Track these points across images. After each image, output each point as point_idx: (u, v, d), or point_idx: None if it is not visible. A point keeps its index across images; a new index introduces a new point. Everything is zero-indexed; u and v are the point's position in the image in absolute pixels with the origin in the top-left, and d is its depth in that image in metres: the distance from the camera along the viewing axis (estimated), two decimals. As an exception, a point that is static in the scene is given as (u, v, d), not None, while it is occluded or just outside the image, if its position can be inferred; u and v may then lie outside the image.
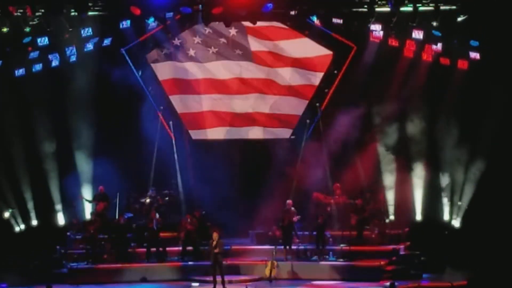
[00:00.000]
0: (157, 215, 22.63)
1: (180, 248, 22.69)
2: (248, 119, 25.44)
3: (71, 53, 22.23)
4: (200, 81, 25.31)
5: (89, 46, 22.42)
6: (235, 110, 25.41)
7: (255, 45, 25.10)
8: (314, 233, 22.70)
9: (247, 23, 24.05)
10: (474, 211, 23.40)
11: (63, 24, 21.37)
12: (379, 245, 22.75)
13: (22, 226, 24.12)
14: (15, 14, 20.90)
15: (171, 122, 25.25)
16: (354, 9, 22.09)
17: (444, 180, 23.97)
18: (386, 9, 21.68)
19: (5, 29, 21.13)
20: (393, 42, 22.43)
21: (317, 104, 25.18)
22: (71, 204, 24.03)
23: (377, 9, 21.80)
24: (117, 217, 23.16)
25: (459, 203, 23.81)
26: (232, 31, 24.92)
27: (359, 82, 24.06)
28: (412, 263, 21.71)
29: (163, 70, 25.20)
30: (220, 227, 21.41)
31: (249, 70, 25.24)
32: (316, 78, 25.20)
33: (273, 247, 22.03)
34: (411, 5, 21.33)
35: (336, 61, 24.93)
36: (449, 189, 23.94)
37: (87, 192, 24.39)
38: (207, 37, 25.05)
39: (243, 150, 25.20)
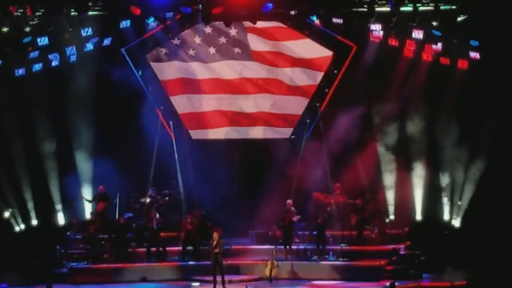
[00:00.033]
0: (157, 215, 22.63)
1: (180, 248, 22.68)
2: (248, 119, 25.44)
3: (71, 53, 22.23)
4: (201, 81, 25.31)
5: (89, 46, 22.42)
6: (236, 110, 25.41)
7: (255, 44, 25.11)
8: (314, 233, 22.69)
9: (247, 23, 24.02)
10: (474, 211, 23.40)
11: (63, 24, 21.39)
12: (379, 245, 22.73)
13: (22, 226, 24.13)
14: (15, 14, 20.90)
15: (171, 122, 25.25)
16: (354, 9, 22.10)
17: (444, 180, 23.97)
18: (386, 9, 21.68)
19: (5, 29, 21.14)
20: (393, 42, 22.45)
21: (317, 104, 25.18)
22: (71, 204, 24.02)
23: (377, 9, 21.81)
24: (117, 217, 23.15)
25: (459, 203, 23.80)
26: (233, 31, 24.92)
27: (359, 82, 24.07)
28: (412, 263, 21.73)
29: (163, 70, 25.21)
30: (221, 227, 21.42)
31: (250, 70, 25.25)
32: (316, 78, 25.20)
33: (273, 247, 22.03)
34: (411, 5, 21.34)
35: (336, 61, 24.94)
36: (449, 189, 23.94)
37: (87, 192, 24.40)
38: (207, 37, 25.06)
39: (243, 150, 25.19)
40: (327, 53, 24.97)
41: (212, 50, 25.14)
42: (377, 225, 23.17)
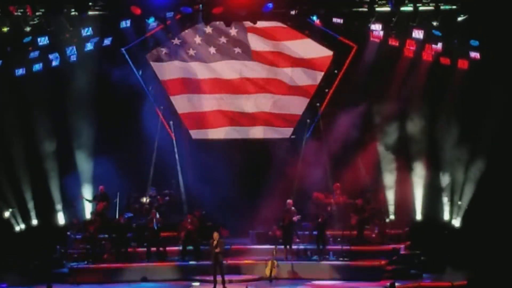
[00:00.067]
0: (157, 215, 22.62)
1: (181, 248, 22.67)
2: (248, 119, 25.44)
3: (72, 52, 22.22)
4: (201, 81, 25.32)
5: (89, 46, 22.42)
6: (236, 110, 25.41)
7: (255, 44, 25.13)
8: (314, 233, 22.69)
9: (247, 23, 24.02)
10: (474, 211, 23.40)
11: (63, 24, 21.40)
12: (379, 244, 22.74)
13: (22, 226, 24.11)
14: (16, 13, 20.89)
15: (171, 122, 25.25)
16: (355, 9, 22.12)
17: (444, 180, 23.98)
18: (387, 9, 21.69)
19: (5, 29, 21.14)
20: (394, 42, 22.47)
21: (318, 104, 25.19)
22: (71, 203, 24.02)
23: (378, 9, 21.82)
24: (117, 216, 23.14)
25: (459, 202, 23.81)
26: (233, 30, 24.93)
27: (359, 82, 24.08)
28: (412, 263, 21.73)
29: (164, 70, 25.21)
30: (223, 227, 21.46)
31: (250, 70, 25.28)
32: (317, 77, 25.21)
33: (273, 246, 22.02)
34: (412, 4, 21.35)
35: (336, 60, 24.96)
36: (449, 188, 23.95)
37: (87, 192, 24.38)
38: (208, 37, 25.06)
39: (244, 149, 25.18)
40: (328, 53, 24.99)
41: (212, 50, 25.15)
42: (377, 225, 23.18)
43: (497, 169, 23.02)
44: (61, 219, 24.47)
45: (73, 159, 24.32)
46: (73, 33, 21.72)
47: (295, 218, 22.52)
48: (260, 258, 22.03)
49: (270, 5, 21.38)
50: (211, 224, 22.73)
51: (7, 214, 23.79)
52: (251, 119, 25.43)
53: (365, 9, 21.91)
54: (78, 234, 23.25)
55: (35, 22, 21.28)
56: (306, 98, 25.31)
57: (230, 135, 25.46)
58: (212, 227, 21.87)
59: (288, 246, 22.33)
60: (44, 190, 24.18)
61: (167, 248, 22.65)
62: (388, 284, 18.78)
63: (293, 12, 22.59)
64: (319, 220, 22.32)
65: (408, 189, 24.14)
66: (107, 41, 22.65)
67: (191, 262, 22.22)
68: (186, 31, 24.83)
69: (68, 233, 23.64)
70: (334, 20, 22.34)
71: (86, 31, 21.84)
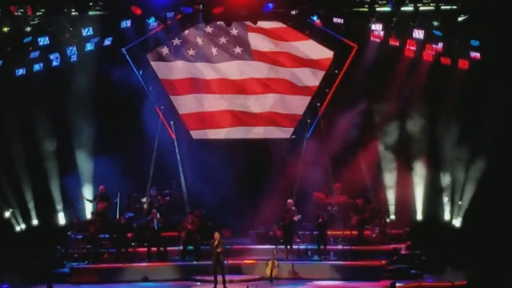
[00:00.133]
0: (158, 215, 22.62)
1: (181, 247, 22.66)
2: (249, 119, 25.42)
3: (72, 52, 22.21)
4: (201, 81, 25.31)
5: (90, 46, 22.40)
6: (236, 110, 25.39)
7: (256, 44, 25.14)
8: (315, 232, 22.69)
9: (248, 22, 24.01)
10: (474, 210, 23.41)
11: (63, 24, 21.39)
12: (380, 244, 22.75)
13: (23, 226, 24.11)
14: (16, 13, 20.87)
15: (171, 122, 25.25)
16: (355, 9, 22.10)
17: (445, 180, 23.99)
18: (387, 8, 21.67)
19: (5, 29, 21.11)
20: (394, 42, 22.48)
21: (318, 104, 25.20)
22: (72, 203, 24.03)
23: (378, 9, 21.81)
24: (117, 216, 23.14)
25: (460, 202, 23.83)
26: (234, 30, 24.93)
27: (359, 81, 24.09)
28: (412, 263, 21.77)
29: (164, 70, 25.20)
30: (225, 227, 21.48)
31: (251, 69, 25.27)
32: (317, 77, 25.21)
33: (273, 246, 22.02)
34: (412, 4, 21.35)
35: (336, 60, 24.96)
36: (449, 188, 23.96)
37: (87, 192, 24.38)
38: (209, 36, 25.06)
39: (244, 150, 25.16)
40: (328, 53, 24.98)
41: (213, 49, 25.15)
42: (377, 225, 23.19)
43: (497, 169, 23.02)
44: (61, 219, 24.46)
45: (73, 159, 24.32)
46: (73, 33, 21.71)
47: (295, 218, 22.53)
48: (261, 258, 22.01)
49: (271, 5, 21.38)
50: (212, 224, 22.76)
51: (7, 214, 23.79)
52: (251, 119, 25.41)
53: (366, 9, 21.89)
54: (78, 234, 23.25)
55: (35, 22, 21.27)
56: (306, 98, 25.31)
57: (231, 135, 25.45)
58: (212, 227, 21.90)
59: (288, 246, 22.33)
60: (44, 190, 24.18)
61: (168, 248, 22.65)
62: (388, 284, 18.77)
63: (293, 12, 22.59)
64: (320, 220, 22.32)
65: (409, 189, 24.15)
66: (107, 41, 22.63)
67: (191, 262, 22.19)
68: (187, 30, 24.82)
69: (69, 233, 23.64)
70: (335, 20, 22.33)
71: (87, 31, 21.83)
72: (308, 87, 25.29)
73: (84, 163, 24.36)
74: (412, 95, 23.88)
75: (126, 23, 22.15)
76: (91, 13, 21.58)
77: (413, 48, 22.41)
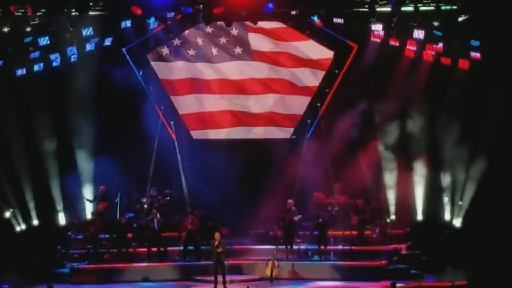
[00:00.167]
0: (158, 215, 22.61)
1: (181, 248, 22.65)
2: (249, 119, 25.41)
3: (72, 53, 22.23)
4: (202, 81, 25.30)
5: (90, 46, 22.40)
6: (236, 109, 25.38)
7: (256, 44, 25.13)
8: (315, 232, 22.69)
9: (249, 22, 24.00)
10: (475, 210, 23.41)
11: (64, 24, 21.43)
12: (380, 244, 22.74)
13: (23, 226, 24.10)
14: (16, 14, 20.94)
15: (172, 122, 25.25)
16: (355, 9, 22.15)
17: (445, 180, 23.99)
18: (387, 9, 21.73)
19: (6, 29, 21.18)
20: (394, 42, 22.49)
21: (318, 104, 25.21)
22: (72, 204, 24.03)
23: (378, 9, 21.87)
24: (118, 216, 23.14)
25: (460, 202, 23.83)
26: (234, 30, 24.93)
27: (360, 81, 24.09)
28: (413, 263, 21.77)
29: (164, 70, 25.20)
30: (222, 225, 21.47)
31: (251, 69, 25.26)
32: (318, 78, 25.20)
33: (273, 246, 22.02)
34: (412, 5, 21.37)
35: (337, 60, 24.96)
36: (450, 188, 23.96)
37: (88, 192, 24.38)
38: (209, 36, 25.05)
39: (244, 150, 25.17)
40: (328, 53, 24.98)
41: (213, 49, 25.14)
42: (378, 225, 23.18)
43: (497, 169, 23.02)
44: (61, 219, 24.45)
45: (73, 159, 24.32)
46: (73, 33, 21.74)
47: (296, 218, 22.53)
48: (261, 258, 22.01)
49: (271, 5, 21.42)
50: (212, 224, 22.74)
51: (7, 214, 23.79)
52: (252, 119, 25.38)
53: (366, 9, 21.96)
54: (78, 234, 23.24)
55: (35, 22, 21.33)
56: (306, 98, 25.30)
57: (231, 135, 25.44)
58: (212, 227, 21.89)
59: (289, 246, 22.33)
60: (44, 190, 24.17)
61: (168, 248, 22.64)
62: (389, 284, 18.76)
63: (293, 12, 22.61)
64: (320, 220, 22.32)
65: (409, 189, 24.14)
66: (107, 41, 22.64)
67: (192, 262, 22.19)
68: (187, 31, 24.82)
69: (69, 233, 23.63)
70: (335, 20, 22.34)
71: (87, 31, 21.85)
72: (309, 87, 25.29)
73: (85, 163, 24.36)
74: (412, 95, 23.88)
75: (126, 23, 22.17)
76: (91, 13, 21.66)
77: (413, 48, 22.43)
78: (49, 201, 24.26)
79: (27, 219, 24.13)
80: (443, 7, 21.32)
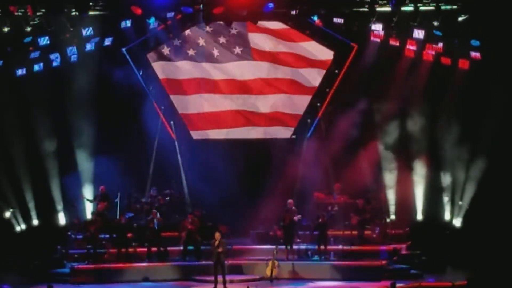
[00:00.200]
0: (158, 215, 22.61)
1: (181, 248, 22.65)
2: (250, 119, 25.41)
3: (72, 53, 22.23)
4: (201, 81, 25.30)
5: (90, 46, 22.40)
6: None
7: (257, 44, 25.14)
8: (315, 232, 22.68)
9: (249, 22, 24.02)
10: (475, 210, 23.41)
11: (64, 24, 21.43)
12: (380, 244, 22.73)
13: (23, 226, 24.10)
14: (16, 13, 20.93)
15: (172, 122, 25.25)
16: (355, 9, 22.15)
17: (445, 180, 23.99)
18: (387, 8, 21.73)
19: (6, 29, 21.17)
20: (394, 42, 22.49)
21: (318, 104, 25.21)
22: (72, 203, 24.03)
23: (378, 9, 21.87)
24: (118, 216, 23.13)
25: (460, 202, 23.84)
26: (234, 30, 24.93)
27: (360, 81, 24.11)
28: (413, 263, 21.77)
29: (164, 70, 25.20)
30: (225, 226, 21.49)
31: (250, 69, 25.27)
32: (318, 77, 25.19)
33: (273, 246, 22.02)
34: (412, 4, 21.37)
35: (337, 60, 24.96)
36: (450, 188, 23.96)
37: (88, 192, 24.38)
38: (209, 36, 25.06)
39: (244, 150, 25.17)
40: (328, 52, 24.97)
41: (213, 49, 25.13)
42: (378, 225, 23.18)
43: (497, 169, 23.02)
44: (61, 219, 24.46)
45: (73, 159, 24.32)
46: (73, 33, 21.75)
47: (296, 218, 22.52)
48: (261, 258, 22.01)
49: (271, 5, 21.42)
50: (212, 224, 22.74)
51: (7, 214, 23.78)
52: (252, 119, 25.38)
53: (366, 9, 21.96)
54: (78, 234, 23.22)
55: (35, 22, 21.32)
56: (306, 98, 25.30)
57: (231, 136, 25.43)
58: (212, 227, 21.90)
59: (289, 246, 22.32)
60: (44, 190, 24.17)
61: (168, 248, 22.63)
62: (389, 284, 18.75)
63: (293, 12, 22.61)
64: (320, 220, 22.31)
65: (409, 189, 24.15)
66: (107, 41, 22.66)
67: (192, 262, 22.19)
68: (187, 30, 24.81)
69: (69, 233, 23.62)
70: (335, 20, 22.34)
71: (87, 31, 21.86)
72: (309, 87, 25.28)
73: (84, 163, 24.36)
74: (412, 95, 23.89)
75: (126, 23, 22.17)
76: (91, 13, 21.66)
77: (413, 48, 22.44)
78: (49, 201, 24.27)
79: (27, 219, 24.14)
80: (443, 7, 21.33)
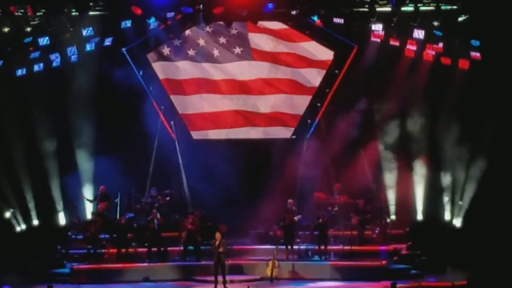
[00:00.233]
0: (158, 215, 22.61)
1: (182, 248, 22.65)
2: (250, 119, 25.39)
3: (72, 53, 22.23)
4: (201, 81, 25.28)
5: (90, 46, 22.40)
6: (236, 110, 25.35)
7: (257, 44, 25.12)
8: (315, 232, 22.68)
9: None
10: (475, 210, 23.41)
11: (64, 24, 21.43)
12: (380, 245, 22.73)
13: (23, 226, 24.08)
14: (16, 14, 20.95)
15: (172, 122, 25.25)
16: (355, 9, 22.16)
17: (445, 180, 23.99)
18: (387, 8, 21.75)
19: (6, 29, 21.18)
20: (394, 42, 22.50)
21: (318, 104, 25.21)
22: (72, 204, 24.02)
23: (378, 9, 21.89)
24: (118, 217, 23.13)
25: (460, 202, 23.84)
26: (234, 30, 24.92)
27: (360, 81, 24.10)
28: (413, 263, 21.78)
29: (164, 70, 25.18)
30: (225, 225, 21.50)
31: (250, 70, 25.25)
32: (318, 78, 25.19)
33: (273, 246, 22.03)
34: (412, 4, 21.38)
35: (337, 60, 24.95)
36: (450, 188, 23.96)
37: (88, 192, 24.37)
38: (209, 36, 25.03)
39: (244, 150, 25.17)
40: (328, 52, 24.97)
41: (214, 49, 25.11)
42: (378, 225, 23.18)
43: (497, 169, 23.03)
44: (62, 219, 24.44)
45: (73, 159, 24.30)
46: (73, 33, 21.75)
47: (296, 218, 22.53)
48: (261, 258, 22.00)
49: (271, 5, 21.44)
50: (212, 224, 22.74)
51: (8, 214, 23.77)
52: (252, 119, 25.36)
53: (366, 9, 21.97)
54: (79, 234, 23.23)
55: (35, 22, 21.33)
56: (306, 98, 25.28)
57: (231, 136, 25.41)
58: (213, 227, 21.90)
59: (289, 246, 22.33)
60: (44, 190, 24.15)
61: (168, 248, 22.62)
62: (389, 284, 18.75)
63: (293, 12, 22.61)
64: (320, 220, 22.32)
65: (409, 189, 24.14)
66: (107, 41, 22.64)
67: (192, 262, 22.19)
68: (187, 31, 24.79)
69: (69, 233, 23.62)
70: (335, 20, 22.34)
71: (87, 31, 21.87)
72: (309, 87, 25.26)
73: (85, 163, 24.35)
74: (412, 95, 23.89)
75: (126, 23, 22.17)
76: (91, 13, 21.68)
77: (414, 48, 22.43)
78: (49, 201, 24.25)
79: (27, 219, 24.11)
80: (443, 7, 21.35)
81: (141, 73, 24.78)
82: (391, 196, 24.29)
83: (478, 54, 21.98)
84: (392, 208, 24.24)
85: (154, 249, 22.47)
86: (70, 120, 24.03)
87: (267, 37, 25.08)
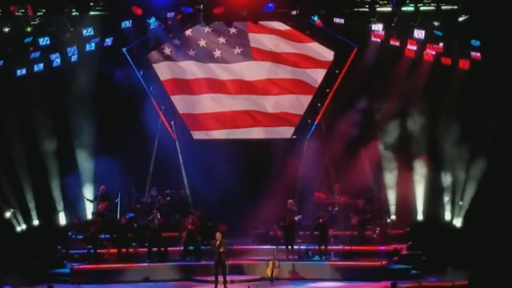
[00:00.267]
0: (159, 215, 22.61)
1: (182, 248, 22.65)
2: (250, 119, 25.39)
3: (72, 53, 22.23)
4: (201, 81, 25.28)
5: (90, 46, 22.40)
6: (237, 110, 25.34)
7: (257, 43, 25.10)
8: (315, 233, 22.68)
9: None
10: (475, 210, 23.41)
11: (64, 24, 21.42)
12: (381, 245, 22.74)
13: (23, 226, 24.08)
14: (16, 14, 20.93)
15: (172, 122, 25.24)
16: (356, 9, 22.13)
17: (446, 180, 23.99)
18: (388, 9, 21.73)
19: (6, 29, 21.16)
20: (395, 42, 22.49)
21: (319, 104, 25.21)
22: (72, 204, 24.05)
23: (379, 9, 21.86)
24: (118, 217, 23.14)
25: (461, 202, 23.84)
26: (233, 30, 24.91)
27: (360, 81, 24.10)
28: (413, 263, 21.78)
29: (164, 70, 25.18)
30: (226, 225, 21.50)
31: (250, 70, 25.23)
32: (318, 77, 25.18)
33: (274, 247, 22.04)
34: (413, 4, 21.37)
35: (337, 60, 24.95)
36: (450, 188, 23.96)
37: (88, 192, 24.39)
38: (209, 37, 25.02)
39: (245, 150, 25.17)
40: (329, 52, 24.97)
41: (215, 50, 25.10)
42: (378, 225, 23.19)
43: (498, 169, 23.02)
44: (62, 219, 24.45)
45: (74, 159, 24.32)
46: (74, 33, 21.73)
47: (296, 218, 22.53)
48: (261, 258, 22.01)
49: (271, 5, 21.41)
50: (212, 224, 22.74)
51: (8, 214, 23.77)
52: (252, 119, 25.36)
53: (366, 9, 21.94)
54: (79, 234, 23.26)
55: (36, 22, 21.32)
56: (307, 98, 25.26)
57: (231, 136, 25.40)
58: (213, 227, 21.91)
59: (289, 246, 22.33)
60: (45, 190, 24.16)
61: (168, 248, 22.63)
62: (389, 284, 18.74)
63: (294, 12, 22.59)
64: (320, 220, 22.32)
65: (409, 189, 24.14)
66: (108, 41, 22.66)
67: (192, 262, 22.20)
68: (188, 31, 24.78)
69: (69, 233, 23.65)
70: (335, 20, 22.33)
71: (87, 31, 21.85)
72: (309, 87, 25.26)
73: (85, 163, 24.36)
74: (413, 95, 23.88)
75: (127, 23, 22.15)
76: (91, 13, 21.64)
77: (414, 48, 22.42)
78: (49, 201, 24.25)
79: (27, 219, 24.11)
80: (443, 7, 21.32)
81: (141, 73, 24.79)
82: (391, 196, 24.28)
83: (478, 54, 21.97)
84: (392, 208, 24.23)
85: (154, 249, 22.49)
86: (70, 120, 24.04)
87: (268, 36, 25.06)
